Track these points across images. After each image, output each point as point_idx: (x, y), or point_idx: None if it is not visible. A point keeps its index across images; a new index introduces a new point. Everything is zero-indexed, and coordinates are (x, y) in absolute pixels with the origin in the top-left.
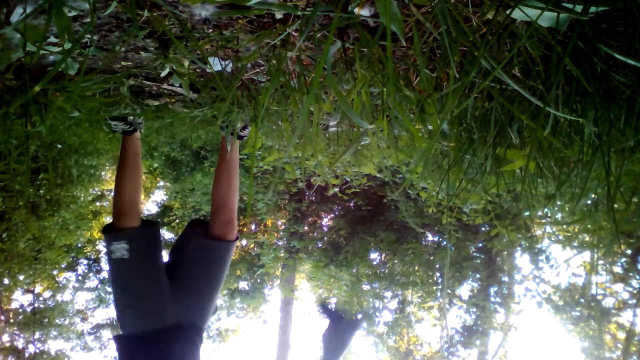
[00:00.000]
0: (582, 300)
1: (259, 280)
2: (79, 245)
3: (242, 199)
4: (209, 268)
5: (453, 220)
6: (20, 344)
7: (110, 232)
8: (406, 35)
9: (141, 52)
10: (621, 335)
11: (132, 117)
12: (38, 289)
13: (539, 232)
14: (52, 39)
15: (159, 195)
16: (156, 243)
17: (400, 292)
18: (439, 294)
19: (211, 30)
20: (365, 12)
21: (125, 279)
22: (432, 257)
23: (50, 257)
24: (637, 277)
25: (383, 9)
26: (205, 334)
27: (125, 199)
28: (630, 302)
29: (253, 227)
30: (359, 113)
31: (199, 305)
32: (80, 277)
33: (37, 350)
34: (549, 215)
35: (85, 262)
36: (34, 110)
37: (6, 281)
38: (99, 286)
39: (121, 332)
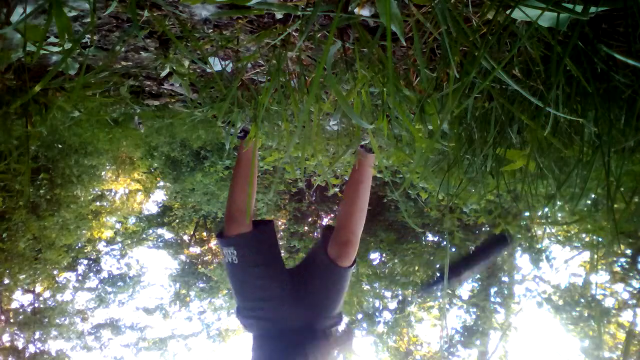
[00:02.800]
0: (582, 300)
1: None
2: (79, 245)
3: None
4: (320, 283)
5: (454, 221)
6: (20, 343)
7: (221, 238)
8: (406, 35)
9: (141, 52)
10: (621, 335)
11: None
12: (38, 288)
13: (539, 232)
14: (52, 39)
15: (159, 195)
16: (266, 245)
17: (400, 292)
18: (439, 294)
19: (211, 30)
20: (365, 12)
21: (238, 282)
22: (432, 257)
23: (51, 257)
24: (637, 277)
25: (383, 9)
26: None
27: (236, 205)
28: (630, 302)
29: None
30: (359, 113)
31: (312, 313)
32: (80, 277)
33: (37, 350)
34: (549, 215)
35: (85, 262)
36: (34, 110)
37: (6, 281)
38: (99, 286)
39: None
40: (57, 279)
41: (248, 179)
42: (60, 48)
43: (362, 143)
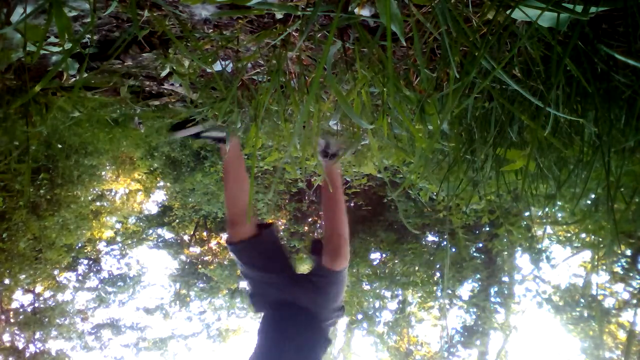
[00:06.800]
0: (582, 300)
1: None
2: (79, 245)
3: None
4: (320, 288)
5: (459, 222)
6: (20, 343)
7: (228, 243)
8: (406, 35)
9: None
10: (621, 335)
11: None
12: (38, 288)
13: (539, 232)
14: (52, 39)
15: (159, 195)
16: (267, 248)
17: (400, 292)
18: (439, 294)
19: (211, 30)
20: (365, 12)
21: (247, 279)
22: (432, 257)
23: (51, 257)
24: (637, 277)
25: (383, 9)
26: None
27: (232, 211)
28: (630, 302)
29: None
30: (359, 113)
31: (313, 309)
32: (80, 277)
33: (38, 350)
34: (549, 215)
35: (86, 262)
36: (34, 110)
37: (7, 281)
38: (99, 286)
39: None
40: (57, 279)
41: (237, 182)
42: (60, 48)
43: (320, 149)
